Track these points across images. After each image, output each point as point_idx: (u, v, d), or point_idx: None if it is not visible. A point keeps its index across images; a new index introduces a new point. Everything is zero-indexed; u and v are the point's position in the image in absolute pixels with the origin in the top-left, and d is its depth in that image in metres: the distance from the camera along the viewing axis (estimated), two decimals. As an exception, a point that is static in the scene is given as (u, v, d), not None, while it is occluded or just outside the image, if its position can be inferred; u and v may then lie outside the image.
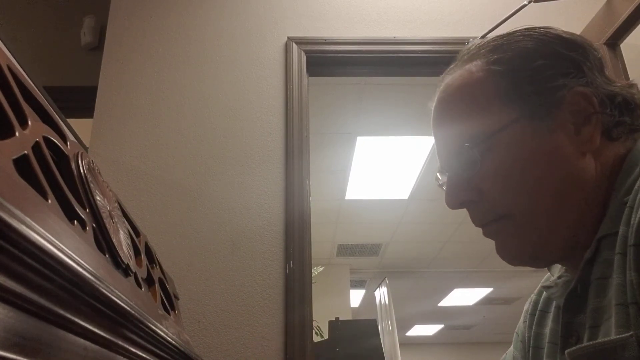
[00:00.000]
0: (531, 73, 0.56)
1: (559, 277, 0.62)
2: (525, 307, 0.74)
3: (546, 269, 0.67)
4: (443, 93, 0.62)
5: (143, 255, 0.77)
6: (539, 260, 0.58)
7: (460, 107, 0.59)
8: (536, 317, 0.69)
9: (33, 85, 0.45)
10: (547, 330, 0.65)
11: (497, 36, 0.61)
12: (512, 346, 0.75)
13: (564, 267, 0.61)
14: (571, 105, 0.54)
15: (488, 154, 0.55)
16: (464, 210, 0.63)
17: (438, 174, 0.66)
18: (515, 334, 0.75)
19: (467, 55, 0.63)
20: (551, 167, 0.54)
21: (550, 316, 0.65)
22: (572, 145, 0.54)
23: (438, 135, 0.63)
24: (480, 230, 0.63)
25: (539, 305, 0.69)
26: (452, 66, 0.64)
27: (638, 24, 1.45)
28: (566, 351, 0.51)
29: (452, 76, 0.62)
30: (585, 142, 0.54)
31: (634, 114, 0.56)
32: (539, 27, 0.58)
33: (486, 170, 0.56)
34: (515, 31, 0.59)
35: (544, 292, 0.69)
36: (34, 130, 0.42)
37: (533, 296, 0.73)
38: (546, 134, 0.54)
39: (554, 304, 0.65)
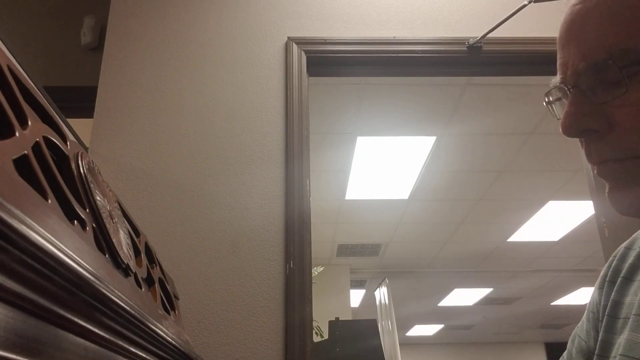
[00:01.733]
0: None
1: None
2: (603, 272, 0.66)
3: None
4: None
5: (143, 255, 0.77)
6: None
7: (617, 12, 0.45)
8: (617, 284, 0.61)
9: (33, 85, 0.45)
10: (631, 299, 0.58)
11: None
12: (584, 316, 0.68)
13: None
14: None
15: (636, 78, 0.44)
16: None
17: (553, 90, 0.52)
18: (588, 303, 0.68)
19: None
20: None
21: (637, 285, 0.58)
22: None
23: (572, 40, 0.49)
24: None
25: (622, 271, 0.61)
26: None
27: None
28: None
29: None
30: None
31: None
32: None
33: (628, 99, 0.44)
34: None
35: (632, 258, 0.61)
36: (34, 130, 0.42)
37: (614, 262, 0.64)
38: None
39: None
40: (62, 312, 0.33)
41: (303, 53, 1.76)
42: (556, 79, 0.51)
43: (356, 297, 7.00)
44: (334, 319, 2.89)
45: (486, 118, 3.22)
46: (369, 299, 6.90)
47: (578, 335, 0.68)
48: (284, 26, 1.82)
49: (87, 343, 0.38)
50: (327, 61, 1.80)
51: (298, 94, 1.70)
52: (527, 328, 8.72)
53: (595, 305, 0.65)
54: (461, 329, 8.84)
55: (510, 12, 1.63)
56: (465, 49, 1.78)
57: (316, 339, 3.19)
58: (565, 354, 0.70)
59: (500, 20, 1.66)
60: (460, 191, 4.09)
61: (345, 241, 5.18)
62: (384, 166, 3.76)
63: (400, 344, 5.33)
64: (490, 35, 1.72)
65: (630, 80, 0.44)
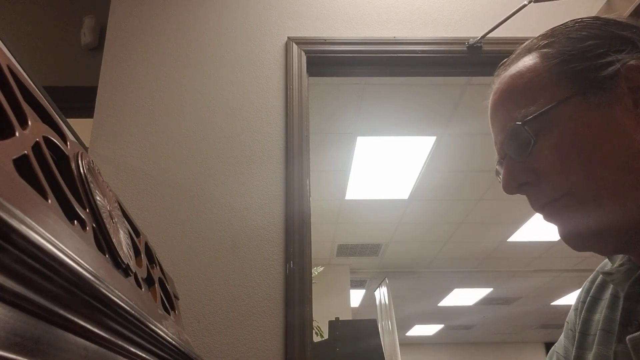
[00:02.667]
0: (582, 52, 0.56)
1: (621, 265, 0.60)
2: (578, 295, 0.73)
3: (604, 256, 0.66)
4: (497, 84, 0.63)
5: (143, 255, 0.77)
6: (605, 240, 0.55)
7: (514, 92, 0.59)
8: (587, 303, 0.67)
9: (33, 85, 0.45)
10: (598, 317, 0.63)
11: (553, 27, 0.62)
12: (562, 335, 0.74)
13: (626, 256, 0.60)
14: (627, 80, 0.53)
15: (542, 132, 0.55)
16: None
17: (497, 167, 0.64)
18: (566, 322, 0.74)
19: (521, 50, 0.64)
20: (609, 140, 0.52)
21: (603, 303, 0.64)
22: (632, 119, 0.52)
23: (494, 123, 0.63)
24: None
25: (591, 291, 0.68)
26: (506, 60, 0.65)
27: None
28: (628, 337, 0.50)
29: (506, 71, 0.63)
30: None
31: None
32: (589, 17, 0.60)
33: (541, 150, 0.55)
34: (567, 22, 0.60)
35: (598, 279, 0.67)
36: (34, 130, 0.42)
37: (586, 284, 0.71)
38: (602, 109, 0.53)
39: (608, 291, 0.64)
40: (62, 312, 0.33)
41: (303, 53, 1.76)
42: (496, 159, 0.64)
43: (356, 297, 7.00)
44: (334, 319, 2.89)
45: (486, 118, 3.20)
46: (369, 299, 6.90)
47: (557, 351, 0.74)
48: (284, 26, 1.82)
49: (87, 343, 0.38)
50: (327, 61, 1.80)
51: (298, 94, 1.70)
52: (527, 328, 8.72)
53: (573, 324, 0.71)
54: (461, 329, 8.84)
55: (510, 12, 1.63)
56: (465, 49, 1.78)
57: (316, 339, 3.19)
58: None
59: (500, 20, 1.66)
60: (460, 191, 4.09)
61: (345, 241, 5.18)
62: (384, 166, 3.76)
63: (400, 344, 5.33)
64: (490, 35, 1.72)
65: (536, 135, 0.55)
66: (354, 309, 6.73)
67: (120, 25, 1.79)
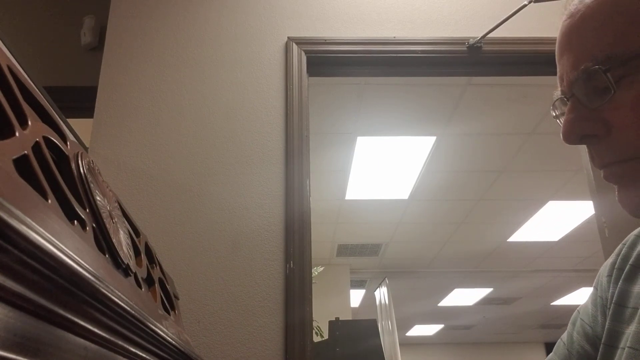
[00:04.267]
0: None
1: None
2: (611, 259, 0.65)
3: None
4: (580, 4, 0.51)
5: (143, 255, 0.77)
6: None
7: (600, 21, 0.48)
8: (625, 271, 0.60)
9: (33, 85, 0.45)
10: (638, 289, 0.57)
11: None
12: (588, 301, 0.67)
13: None
14: None
15: (625, 80, 0.46)
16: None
17: (556, 102, 0.54)
18: (594, 288, 0.67)
19: None
20: None
21: None
22: None
23: (564, 53, 0.52)
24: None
25: (631, 259, 0.61)
26: None
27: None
28: None
29: None
30: None
31: None
32: None
33: (620, 101, 0.46)
34: None
35: (638, 247, 0.60)
36: (34, 130, 0.42)
37: (623, 249, 0.64)
38: None
39: None
40: (62, 312, 0.33)
41: (303, 53, 1.76)
42: (557, 92, 0.53)
43: (356, 297, 7.00)
44: (334, 319, 2.90)
45: (486, 118, 3.22)
46: (369, 299, 6.90)
47: (581, 318, 0.67)
48: (284, 26, 1.82)
49: (87, 343, 0.38)
50: (327, 61, 1.80)
51: (298, 94, 1.70)
52: (527, 328, 8.72)
53: (604, 292, 0.64)
54: (461, 329, 8.84)
55: (510, 12, 1.63)
56: (465, 49, 1.78)
57: (316, 339, 3.19)
58: (564, 336, 0.68)
59: (500, 20, 1.66)
60: (460, 191, 4.09)
61: (345, 241, 5.18)
62: (384, 166, 3.76)
63: (400, 344, 5.33)
64: (490, 35, 1.72)
65: (617, 84, 0.46)
66: (354, 309, 6.73)
67: (120, 25, 1.79)
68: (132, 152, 1.62)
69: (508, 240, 5.05)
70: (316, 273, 3.71)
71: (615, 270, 0.63)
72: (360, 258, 5.65)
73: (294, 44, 1.77)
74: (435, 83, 2.86)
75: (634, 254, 0.61)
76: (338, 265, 5.72)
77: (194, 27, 1.80)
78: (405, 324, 8.17)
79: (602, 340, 0.60)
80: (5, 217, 0.25)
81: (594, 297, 0.66)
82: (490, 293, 6.84)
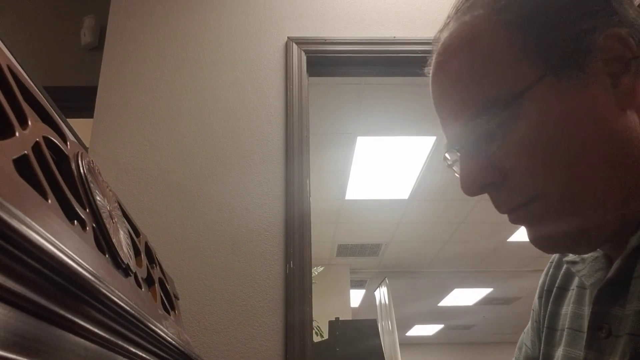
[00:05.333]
0: (550, 18, 0.45)
1: None
2: (541, 279, 0.65)
3: None
4: (442, 56, 0.51)
5: (143, 255, 0.77)
6: (582, 245, 0.47)
7: (467, 71, 0.48)
8: (553, 294, 0.60)
9: (33, 85, 0.45)
10: (565, 310, 0.57)
11: None
12: (529, 325, 0.68)
13: None
14: (604, 51, 0.44)
15: (508, 126, 0.45)
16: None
17: (447, 154, 0.53)
18: (532, 310, 0.67)
19: (464, 4, 0.51)
20: (588, 130, 0.43)
21: (570, 295, 0.56)
22: (610, 101, 0.44)
23: (441, 107, 0.52)
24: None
25: (557, 281, 0.60)
26: (447, 20, 0.53)
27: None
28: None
29: (449, 33, 0.51)
30: (625, 95, 0.44)
31: None
32: None
33: (508, 146, 0.45)
34: None
35: (564, 266, 0.59)
36: (34, 130, 0.42)
37: (551, 269, 0.63)
38: (578, 91, 0.44)
39: (574, 281, 0.57)
40: (62, 312, 0.33)
41: (303, 53, 1.76)
42: (445, 142, 0.53)
43: (356, 297, 7.00)
44: (334, 319, 2.90)
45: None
46: (369, 299, 6.90)
47: (525, 343, 0.67)
48: (284, 26, 1.82)
49: (87, 343, 0.38)
50: (327, 61, 1.80)
51: (298, 94, 1.70)
52: (527, 328, 8.71)
53: (537, 314, 0.64)
54: (461, 329, 8.84)
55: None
56: (465, 49, 1.78)
57: (316, 339, 3.19)
58: None
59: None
60: (460, 191, 4.05)
61: (345, 241, 5.18)
62: (384, 166, 3.76)
63: (400, 344, 5.33)
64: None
65: (501, 129, 0.45)
66: (354, 309, 6.73)
67: (120, 25, 1.79)
68: (132, 152, 1.62)
69: (508, 240, 5.05)
70: (316, 273, 3.71)
71: (544, 292, 0.63)
72: (360, 258, 5.65)
73: (294, 44, 1.77)
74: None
75: (560, 274, 0.61)
76: (338, 265, 5.72)
77: (194, 27, 1.80)
78: (405, 324, 8.17)
79: None
80: (5, 217, 0.25)
81: (531, 322, 0.66)
82: (490, 293, 6.84)
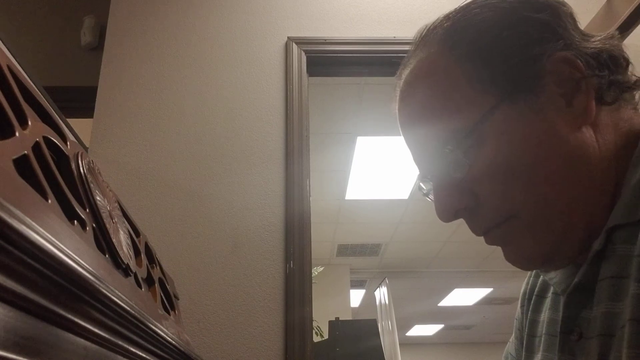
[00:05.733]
0: (500, 48, 0.48)
1: None
2: (522, 288, 0.67)
3: None
4: (405, 92, 0.54)
5: (143, 255, 0.77)
6: (556, 260, 0.50)
7: (429, 105, 0.50)
8: (532, 302, 0.62)
9: (33, 85, 0.45)
10: (543, 317, 0.59)
11: (451, 12, 0.54)
12: (513, 334, 0.70)
13: None
14: (554, 74, 0.47)
15: (473, 152, 0.48)
16: None
17: (421, 183, 0.57)
18: (515, 319, 0.69)
19: (420, 40, 0.55)
20: (547, 150, 0.46)
21: (547, 302, 0.59)
22: (565, 121, 0.46)
23: (410, 139, 0.55)
24: None
25: (536, 289, 0.63)
26: (406, 57, 0.56)
27: (638, 24, 1.45)
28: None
29: (410, 69, 0.54)
30: (579, 114, 0.46)
31: (623, 69, 0.49)
32: None
33: (476, 171, 0.48)
34: (470, 3, 0.52)
35: (541, 275, 0.62)
36: (34, 130, 0.42)
37: (531, 279, 0.65)
38: (534, 114, 0.46)
39: (551, 289, 0.59)
40: (62, 312, 0.33)
41: (303, 53, 1.76)
42: (417, 177, 0.57)
43: (356, 297, 7.00)
44: (334, 319, 2.90)
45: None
46: (369, 299, 6.90)
47: (510, 353, 0.69)
48: (284, 26, 1.82)
49: (87, 343, 0.38)
50: (327, 61, 1.80)
51: (298, 94, 1.70)
52: (527, 328, 8.71)
53: (520, 323, 0.66)
54: (461, 329, 8.84)
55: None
56: (465, 49, 1.78)
57: (316, 339, 3.19)
58: None
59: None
60: (460, 191, 4.09)
61: (345, 241, 5.18)
62: (384, 166, 3.76)
63: (400, 344, 5.33)
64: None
65: (467, 156, 0.48)
66: (354, 309, 6.73)
67: (120, 25, 1.79)
68: (132, 152, 1.62)
69: (508, 240, 5.05)
70: (316, 273, 3.71)
71: (526, 300, 0.65)
72: (360, 258, 5.65)
73: (294, 43, 1.77)
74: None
75: (538, 282, 0.63)
76: (338, 265, 5.72)
77: (194, 27, 1.80)
78: (405, 324, 8.17)
79: None
80: (5, 217, 0.25)
81: (515, 330, 0.68)
82: (490, 293, 6.84)
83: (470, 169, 0.48)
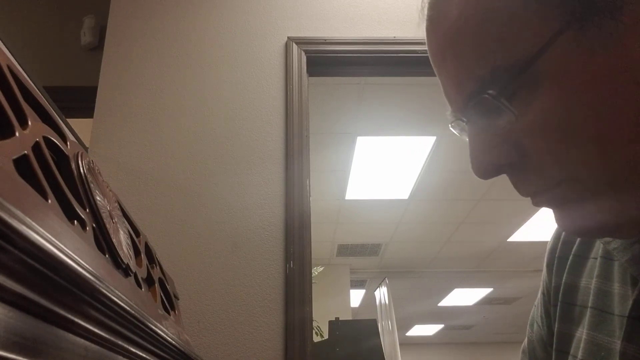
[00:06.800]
0: None
1: None
2: (551, 244, 0.55)
3: None
4: (434, 9, 0.41)
5: (143, 255, 0.77)
6: (626, 229, 0.38)
7: (466, 32, 0.38)
8: (569, 261, 0.51)
9: (33, 85, 0.45)
10: (586, 283, 0.49)
11: None
12: (539, 296, 0.59)
13: None
14: None
15: (522, 99, 0.36)
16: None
17: (452, 125, 0.45)
18: (542, 282, 0.58)
19: None
20: (626, 96, 0.33)
21: (591, 265, 0.48)
22: None
23: (439, 70, 0.43)
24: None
25: (575, 247, 0.51)
26: None
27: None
28: None
29: None
30: None
31: None
32: None
33: (526, 123, 0.37)
34: None
35: None
36: (34, 130, 0.42)
37: (562, 233, 0.54)
38: (610, 44, 0.33)
39: (595, 248, 0.49)
40: (62, 312, 0.33)
41: (303, 53, 1.76)
42: (448, 112, 0.44)
43: (356, 297, 7.00)
44: (334, 319, 2.90)
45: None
46: (369, 299, 6.90)
47: (536, 320, 0.59)
48: (284, 26, 1.82)
49: (87, 343, 0.38)
50: (327, 61, 1.80)
51: (298, 94, 1.70)
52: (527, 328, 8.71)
53: (547, 285, 0.55)
54: (461, 329, 8.84)
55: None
56: (465, 49, 1.78)
57: (316, 339, 3.19)
58: (525, 342, 0.61)
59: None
60: (460, 191, 4.09)
61: (345, 241, 5.18)
62: (384, 166, 3.76)
63: (400, 344, 5.33)
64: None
65: (514, 103, 0.37)
66: (354, 309, 6.73)
67: (120, 25, 1.79)
68: (132, 152, 1.62)
69: (508, 240, 5.05)
70: (316, 273, 3.71)
71: (556, 259, 0.54)
72: (360, 258, 5.65)
73: (294, 43, 1.77)
74: (435, 83, 2.83)
75: (577, 240, 0.52)
76: (338, 265, 5.72)
77: (194, 27, 1.81)
78: (405, 324, 8.17)
79: (554, 345, 0.52)
80: (5, 217, 0.25)
81: (540, 293, 0.58)
82: (490, 293, 6.84)
83: (519, 120, 0.37)
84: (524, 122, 0.37)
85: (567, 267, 0.52)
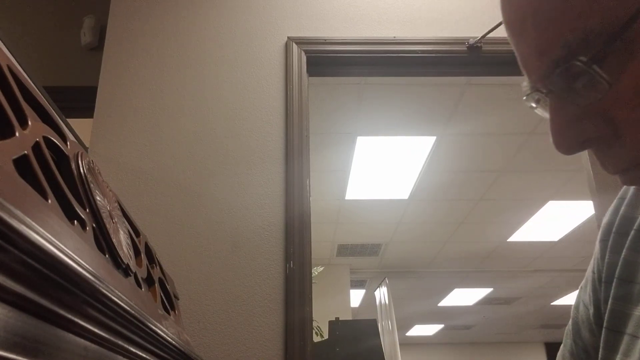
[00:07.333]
0: None
1: None
2: (607, 218, 0.52)
3: None
4: None
5: (143, 255, 0.77)
6: None
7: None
8: (630, 237, 0.48)
9: (33, 85, 0.45)
10: None
11: None
12: (587, 275, 0.55)
13: None
14: None
15: (618, 66, 0.33)
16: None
17: (525, 98, 0.40)
18: (592, 259, 0.55)
19: None
20: None
21: None
22: None
23: (516, 35, 0.38)
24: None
25: (636, 222, 0.48)
26: None
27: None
28: None
29: None
30: None
31: None
32: None
33: (619, 93, 0.33)
34: None
35: None
36: (34, 130, 0.42)
37: (622, 207, 0.50)
38: None
39: None
40: (62, 312, 0.33)
41: (303, 53, 1.76)
42: (525, 82, 0.40)
43: (356, 297, 7.00)
44: (334, 319, 2.90)
45: (486, 118, 3.22)
46: (369, 299, 6.90)
47: (582, 301, 0.56)
48: (284, 26, 1.82)
49: (87, 343, 0.38)
50: (327, 61, 1.80)
51: (298, 94, 1.70)
52: (527, 328, 8.72)
53: (599, 263, 0.52)
54: (461, 329, 8.84)
55: (510, 12, 1.63)
56: (465, 49, 1.78)
57: (316, 339, 3.19)
58: (570, 324, 0.58)
59: (500, 20, 1.66)
60: (460, 191, 4.09)
61: (345, 241, 5.18)
62: (384, 166, 3.76)
63: (400, 344, 5.33)
64: (490, 35, 1.72)
65: (608, 72, 0.33)
66: (354, 309, 6.73)
67: (120, 25, 1.79)
68: (132, 152, 1.62)
69: (508, 240, 5.05)
70: (316, 273, 3.71)
71: (612, 234, 0.50)
72: (360, 258, 5.65)
73: (294, 43, 1.77)
74: (435, 83, 2.86)
75: (639, 215, 0.48)
76: (338, 265, 5.72)
77: (194, 27, 1.80)
78: (405, 324, 8.17)
79: (605, 324, 0.49)
80: (5, 217, 0.25)
81: (590, 271, 0.55)
82: (490, 293, 6.84)
83: (611, 89, 0.33)
84: (617, 93, 0.34)
85: (628, 242, 0.48)
